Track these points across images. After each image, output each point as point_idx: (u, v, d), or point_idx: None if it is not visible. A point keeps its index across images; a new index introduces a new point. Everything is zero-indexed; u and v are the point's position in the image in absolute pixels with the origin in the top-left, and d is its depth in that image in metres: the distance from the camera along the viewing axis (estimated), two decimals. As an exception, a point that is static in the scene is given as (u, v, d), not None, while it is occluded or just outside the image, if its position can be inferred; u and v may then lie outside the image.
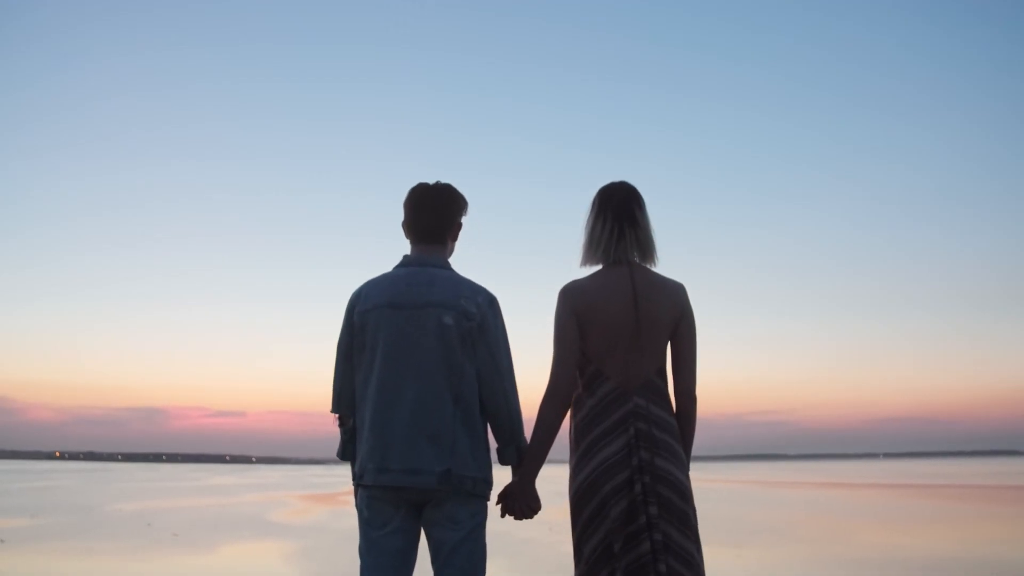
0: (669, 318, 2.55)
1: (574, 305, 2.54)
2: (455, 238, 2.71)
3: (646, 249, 2.61)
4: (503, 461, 2.61)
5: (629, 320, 2.51)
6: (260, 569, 8.50)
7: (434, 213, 2.63)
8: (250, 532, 12.48)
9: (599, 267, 2.62)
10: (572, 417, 2.58)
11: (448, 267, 2.63)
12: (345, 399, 2.59)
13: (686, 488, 2.48)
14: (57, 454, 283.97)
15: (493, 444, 2.59)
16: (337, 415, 2.63)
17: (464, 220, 2.72)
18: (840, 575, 7.72)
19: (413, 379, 2.45)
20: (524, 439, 2.59)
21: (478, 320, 2.49)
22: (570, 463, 2.55)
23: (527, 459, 2.55)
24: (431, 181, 2.69)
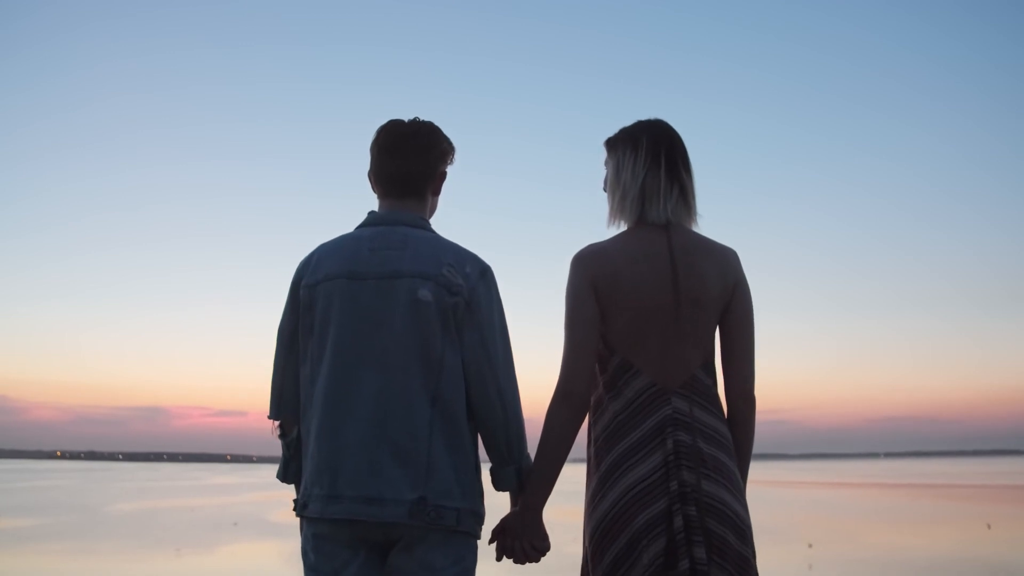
0: (719, 293, 1.94)
1: (593, 275, 1.93)
2: (437, 192, 2.08)
3: (693, 212, 2.02)
4: (499, 485, 1.98)
5: (666, 295, 1.91)
6: (261, 569, 8.48)
7: (410, 157, 2.00)
8: (251, 532, 12.47)
9: (624, 228, 2.03)
10: (590, 427, 1.98)
11: (427, 227, 2.00)
12: (287, 401, 1.98)
13: (745, 523, 1.85)
14: (58, 453, 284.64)
15: (485, 462, 2.00)
16: (277, 422, 2.02)
17: (450, 170, 2.09)
18: (843, 575, 7.71)
19: (376, 373, 1.85)
20: (527, 455, 1.97)
21: (465, 295, 1.88)
22: (587, 488, 1.94)
23: (531, 482, 1.92)
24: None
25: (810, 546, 9.58)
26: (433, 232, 2.01)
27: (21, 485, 31.98)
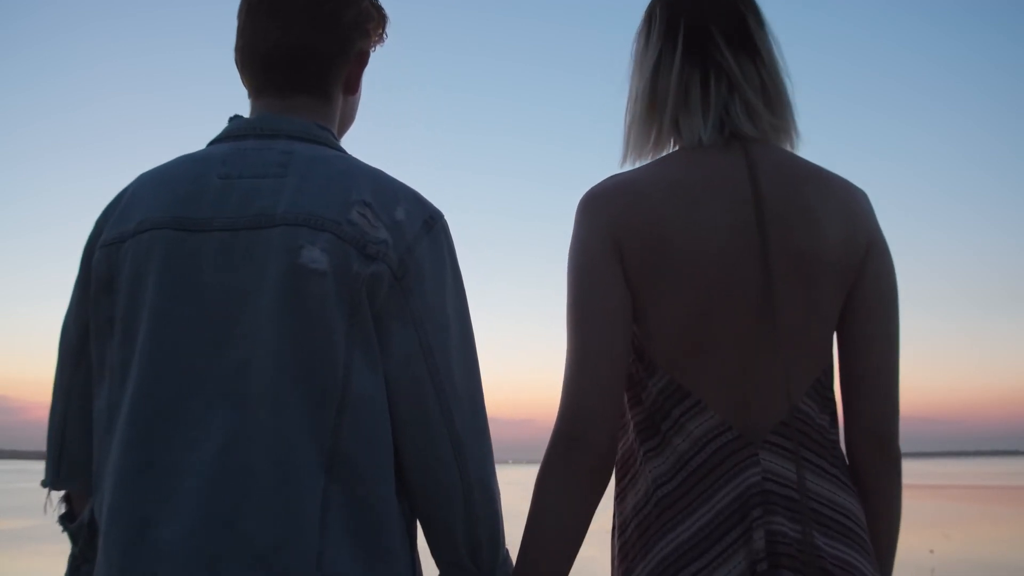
0: (842, 255, 1.06)
1: (618, 229, 1.05)
2: (354, 87, 1.19)
3: (792, 124, 1.12)
4: None
5: (748, 265, 1.04)
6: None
7: (301, 23, 1.10)
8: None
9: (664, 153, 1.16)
10: (617, 503, 1.13)
11: (331, 143, 1.11)
12: (72, 455, 1.10)
13: None
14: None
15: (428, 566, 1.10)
16: (60, 494, 1.15)
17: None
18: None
19: (222, 409, 0.96)
20: (504, 559, 1.09)
21: (393, 262, 0.99)
22: None
23: None
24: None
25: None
26: (342, 151, 1.12)
27: (21, 485, 32.04)
